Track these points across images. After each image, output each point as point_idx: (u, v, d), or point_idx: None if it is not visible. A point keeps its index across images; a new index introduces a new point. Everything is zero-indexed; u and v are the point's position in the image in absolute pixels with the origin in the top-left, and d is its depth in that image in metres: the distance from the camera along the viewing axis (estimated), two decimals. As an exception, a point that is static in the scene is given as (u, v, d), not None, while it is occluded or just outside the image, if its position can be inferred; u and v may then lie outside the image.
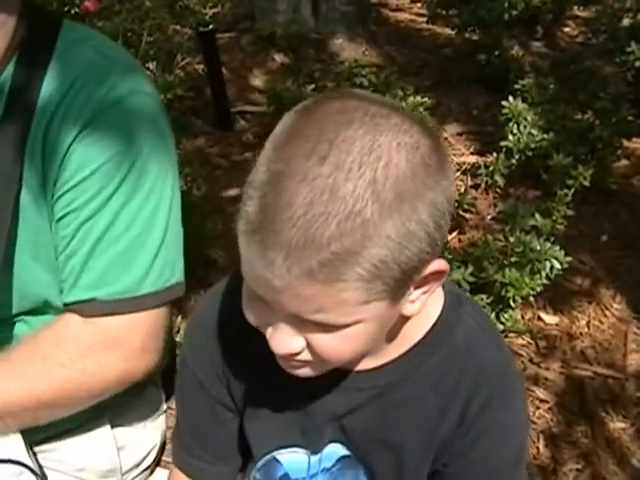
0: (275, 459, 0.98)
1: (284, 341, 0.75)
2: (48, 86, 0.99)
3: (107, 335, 1.01)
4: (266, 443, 0.97)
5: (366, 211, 0.66)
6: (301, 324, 0.73)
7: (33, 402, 1.00)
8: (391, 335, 0.86)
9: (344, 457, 0.96)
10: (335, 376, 0.88)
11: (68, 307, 1.02)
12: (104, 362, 1.01)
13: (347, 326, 0.72)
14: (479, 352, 0.88)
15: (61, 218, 1.00)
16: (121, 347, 1.01)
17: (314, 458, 0.97)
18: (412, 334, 0.87)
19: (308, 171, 0.66)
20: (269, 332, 0.77)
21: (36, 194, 1.00)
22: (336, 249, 0.66)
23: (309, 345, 0.75)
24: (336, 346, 0.74)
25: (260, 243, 0.68)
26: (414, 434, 0.90)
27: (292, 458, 0.97)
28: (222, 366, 0.95)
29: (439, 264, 0.74)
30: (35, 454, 1.07)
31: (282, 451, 0.97)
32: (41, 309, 1.09)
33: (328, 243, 0.66)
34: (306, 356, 0.77)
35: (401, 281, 0.70)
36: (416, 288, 0.75)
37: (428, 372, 0.88)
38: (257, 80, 3.19)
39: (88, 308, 1.00)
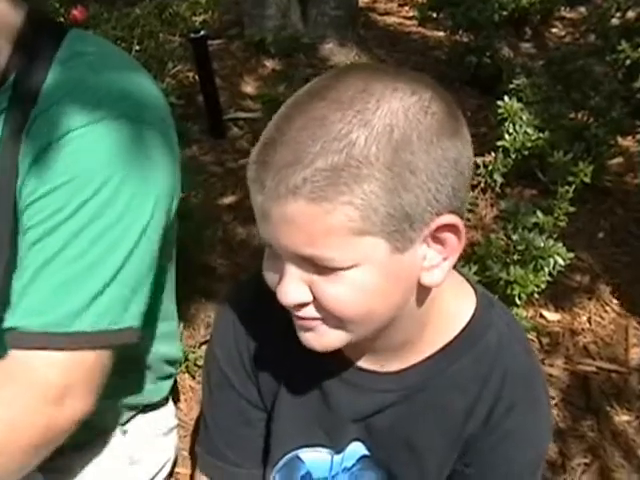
0: (298, 457, 0.98)
1: (289, 289, 0.75)
2: (43, 95, 0.94)
3: (30, 373, 0.88)
4: (290, 441, 0.97)
5: (352, 135, 0.68)
6: (301, 266, 0.73)
7: None
8: (419, 329, 0.85)
9: (364, 457, 0.96)
10: (363, 377, 0.89)
11: (6, 334, 0.90)
12: (24, 405, 0.88)
13: (345, 269, 0.72)
14: (509, 354, 0.88)
15: (23, 234, 0.92)
16: (43, 388, 0.88)
17: (337, 457, 0.97)
18: (442, 334, 0.87)
19: (306, 107, 0.71)
20: (278, 287, 0.76)
21: None
22: (320, 166, 0.68)
23: (315, 298, 0.75)
24: (340, 296, 0.73)
25: (257, 170, 0.72)
26: (440, 437, 0.90)
27: (315, 457, 0.97)
28: (250, 361, 0.95)
29: (449, 218, 0.72)
30: None
31: (305, 450, 0.97)
32: None
33: (312, 161, 0.68)
34: (314, 312, 0.76)
35: (397, 223, 0.70)
36: (427, 244, 0.74)
37: (457, 373, 0.87)
38: (249, 87, 3.18)
39: (18, 338, 0.89)
